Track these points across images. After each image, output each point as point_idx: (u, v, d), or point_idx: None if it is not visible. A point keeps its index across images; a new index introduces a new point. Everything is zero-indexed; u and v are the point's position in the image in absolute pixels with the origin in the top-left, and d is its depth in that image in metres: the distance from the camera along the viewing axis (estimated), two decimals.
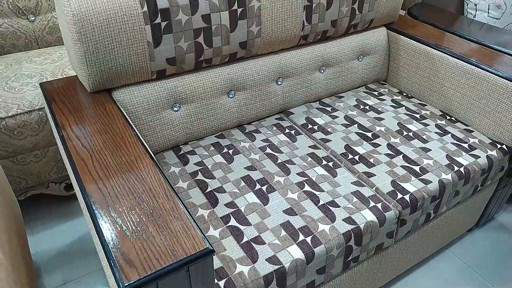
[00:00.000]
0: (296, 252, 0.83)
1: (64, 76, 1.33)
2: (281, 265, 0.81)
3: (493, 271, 1.32)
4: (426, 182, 1.03)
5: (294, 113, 1.30)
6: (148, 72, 1.01)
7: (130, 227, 0.64)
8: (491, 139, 1.21)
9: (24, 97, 1.23)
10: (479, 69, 1.22)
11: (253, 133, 1.19)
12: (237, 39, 1.09)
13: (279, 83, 1.26)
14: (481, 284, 1.28)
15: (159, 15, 0.95)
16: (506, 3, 1.57)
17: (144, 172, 0.75)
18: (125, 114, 0.92)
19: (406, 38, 1.41)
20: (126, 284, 0.56)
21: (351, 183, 1.02)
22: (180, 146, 1.14)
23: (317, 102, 1.37)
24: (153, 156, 0.80)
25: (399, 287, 1.26)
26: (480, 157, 1.13)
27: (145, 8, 0.93)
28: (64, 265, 1.27)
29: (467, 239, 1.42)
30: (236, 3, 1.04)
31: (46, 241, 1.34)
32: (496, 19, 1.60)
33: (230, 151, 1.12)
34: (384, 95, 1.42)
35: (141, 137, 0.85)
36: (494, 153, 1.15)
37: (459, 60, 1.26)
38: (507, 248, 1.40)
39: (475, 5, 1.61)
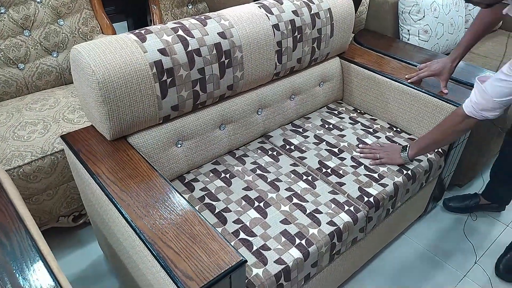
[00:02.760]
0: (295, 253, 1.08)
1: (66, 121, 1.49)
2: (286, 265, 1.06)
3: (441, 248, 1.65)
4: (384, 185, 1.33)
5: (273, 136, 1.55)
6: (157, 118, 1.22)
7: (181, 250, 0.85)
8: None
9: (35, 144, 1.38)
10: (413, 89, 1.54)
11: (243, 157, 1.43)
12: (225, 83, 1.32)
13: (259, 113, 1.50)
14: (432, 259, 1.61)
15: (165, 74, 1.16)
16: (431, 29, 1.93)
17: (176, 205, 0.96)
18: (145, 158, 1.12)
19: (356, 66, 1.71)
20: None
21: (328, 192, 1.29)
22: (184, 175, 1.35)
23: (290, 124, 1.63)
24: (179, 188, 1.01)
25: (371, 269, 1.55)
26: (422, 160, 1.44)
27: (154, 70, 1.13)
28: None
29: (418, 225, 1.76)
30: (223, 56, 1.27)
31: (64, 269, 1.48)
32: (425, 41, 1.95)
33: (227, 175, 1.34)
34: (342, 113, 1.71)
35: (161, 176, 1.05)
36: (433, 156, 1.47)
37: (399, 83, 1.58)
38: (449, 227, 1.75)
39: (408, 30, 1.95)
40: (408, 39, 1.97)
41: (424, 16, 1.91)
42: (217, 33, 1.26)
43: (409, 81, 1.56)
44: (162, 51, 1.15)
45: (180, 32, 1.20)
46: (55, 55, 1.73)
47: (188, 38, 1.20)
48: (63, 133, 1.42)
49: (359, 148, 1.47)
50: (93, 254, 1.55)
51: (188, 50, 1.19)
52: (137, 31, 1.17)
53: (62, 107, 1.56)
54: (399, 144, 1.51)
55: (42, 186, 1.39)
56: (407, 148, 1.40)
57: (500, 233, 1.74)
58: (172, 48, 1.16)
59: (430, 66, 1.54)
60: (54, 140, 1.40)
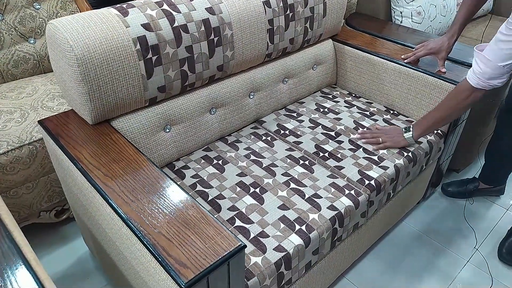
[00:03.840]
0: (296, 240, 1.01)
1: (45, 109, 1.39)
2: (287, 252, 0.99)
3: (440, 234, 1.60)
4: (385, 168, 1.27)
5: (266, 121, 1.48)
6: (142, 100, 1.13)
7: (173, 237, 0.77)
8: None
9: (11, 133, 1.27)
10: (410, 69, 1.48)
11: (235, 143, 1.35)
12: (215, 63, 1.24)
13: (251, 96, 1.43)
14: (432, 245, 1.56)
15: (150, 51, 1.07)
16: (424, 10, 1.88)
17: (167, 190, 0.88)
18: (134, 144, 1.03)
19: (349, 48, 1.65)
20: (185, 282, 0.69)
21: (327, 176, 1.22)
22: (174, 163, 1.26)
23: (283, 109, 1.56)
24: (169, 175, 0.93)
25: (371, 257, 1.49)
26: (422, 142, 1.39)
27: (138, 46, 1.05)
28: None
29: (418, 211, 1.71)
30: (212, 33, 1.19)
31: (47, 268, 1.39)
32: (418, 23, 1.90)
33: (220, 162, 1.26)
34: (337, 97, 1.65)
35: (149, 160, 0.97)
36: (433, 138, 1.42)
37: (395, 64, 1.52)
38: (449, 213, 1.70)
39: (401, 12, 1.90)
40: (401, 22, 1.92)
41: None
42: (205, 8, 1.18)
43: (406, 61, 1.50)
44: (146, 26, 1.06)
45: (165, 7, 1.11)
46: (32, 41, 1.62)
47: (174, 12, 1.12)
48: None
49: (358, 134, 1.40)
50: (78, 250, 1.45)
51: (174, 26, 1.11)
52: (118, 5, 1.08)
53: (41, 94, 1.46)
54: (397, 126, 1.45)
55: (20, 178, 1.29)
56: (411, 129, 1.34)
57: (500, 217, 1.70)
58: (157, 23, 1.08)
59: (427, 45, 1.49)
60: (32, 129, 1.30)
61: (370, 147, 1.35)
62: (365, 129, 1.43)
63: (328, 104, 1.59)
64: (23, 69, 1.62)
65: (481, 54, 1.13)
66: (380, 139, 1.35)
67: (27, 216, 1.39)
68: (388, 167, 1.27)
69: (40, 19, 1.62)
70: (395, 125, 1.47)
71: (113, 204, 0.84)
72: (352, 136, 1.40)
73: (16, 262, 0.72)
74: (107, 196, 0.86)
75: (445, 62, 1.47)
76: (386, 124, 1.47)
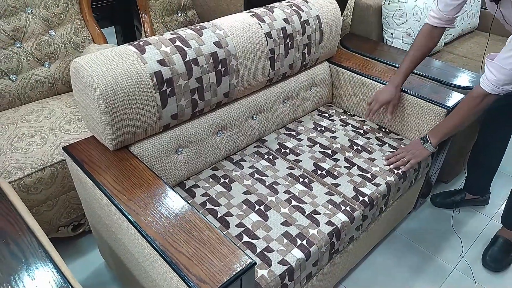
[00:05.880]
0: (298, 253, 1.13)
1: (63, 132, 1.50)
2: (290, 265, 1.10)
3: (429, 242, 1.73)
4: (377, 185, 1.39)
5: (267, 140, 1.60)
6: (157, 127, 1.25)
7: (192, 255, 0.89)
8: None
9: (34, 156, 1.38)
10: (399, 92, 1.61)
11: (240, 162, 1.47)
12: (222, 91, 1.36)
13: (254, 118, 1.55)
14: (421, 252, 1.69)
15: (165, 84, 1.19)
16: (414, 32, 2.01)
17: (184, 212, 0.99)
18: (149, 167, 1.14)
19: (344, 70, 1.77)
20: None
21: (325, 193, 1.34)
22: (184, 182, 1.38)
23: (283, 128, 1.68)
24: (181, 195, 1.04)
25: (365, 265, 1.62)
26: None
27: (154, 81, 1.16)
28: None
29: (408, 221, 1.83)
30: (220, 64, 1.31)
31: None
32: (409, 44, 2.03)
33: (227, 180, 1.38)
34: (333, 116, 1.77)
35: (167, 184, 1.09)
36: None
37: (384, 85, 1.65)
38: (437, 222, 1.83)
39: (392, 34, 2.03)
40: (392, 42, 2.05)
41: (406, 20, 1.99)
42: (213, 43, 1.29)
43: (368, 119, 1.66)
44: (161, 62, 1.18)
45: (178, 43, 1.23)
46: (47, 65, 1.73)
47: (185, 48, 1.23)
48: (61, 144, 1.43)
49: (384, 160, 1.49)
50: (95, 262, 1.56)
51: (186, 60, 1.22)
52: (135, 42, 1.20)
53: (58, 117, 1.57)
54: (389, 144, 1.58)
55: (43, 197, 1.40)
56: (428, 138, 1.45)
57: (485, 226, 1.83)
58: (171, 58, 1.20)
59: (377, 98, 1.59)
60: (52, 151, 1.41)
61: (364, 164, 1.47)
62: (388, 153, 1.52)
63: (325, 123, 1.71)
64: (38, 91, 1.73)
65: (493, 62, 1.24)
66: (405, 159, 1.46)
67: (47, 232, 1.49)
68: (380, 184, 1.39)
69: (55, 45, 1.73)
70: (387, 143, 1.60)
71: (138, 227, 0.95)
72: (347, 154, 1.52)
73: (57, 282, 0.83)
74: (132, 219, 0.97)
75: (431, 84, 1.60)
76: (379, 142, 1.60)
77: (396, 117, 1.66)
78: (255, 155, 1.51)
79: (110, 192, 1.05)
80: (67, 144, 1.26)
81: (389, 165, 1.46)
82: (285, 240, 1.16)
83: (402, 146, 1.57)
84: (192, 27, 1.33)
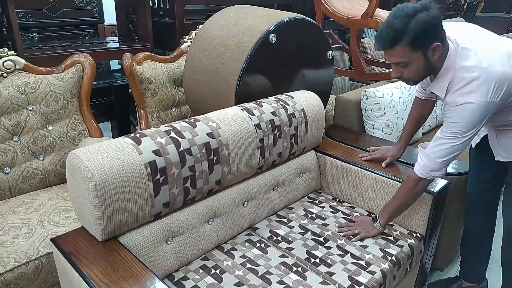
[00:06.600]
0: None
1: (51, 224, 1.47)
2: None
3: None
4: (372, 272, 1.36)
5: (259, 228, 1.59)
6: (148, 216, 1.24)
7: None
8: (408, 230, 1.61)
9: (19, 249, 1.34)
10: (386, 178, 1.66)
11: (231, 251, 1.44)
12: (214, 178, 1.39)
13: (245, 205, 1.56)
14: None
15: (158, 172, 1.22)
16: (392, 123, 2.15)
17: None
18: (138, 258, 1.12)
19: (330, 158, 1.85)
20: None
21: (319, 283, 1.30)
22: (173, 274, 1.33)
23: (275, 215, 1.68)
24: None
25: None
26: (403, 246, 1.50)
27: (149, 170, 1.20)
28: None
29: None
30: (212, 154, 1.36)
31: None
32: (388, 134, 2.16)
33: (217, 271, 1.34)
34: (323, 202, 1.79)
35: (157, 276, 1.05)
36: (412, 241, 1.54)
37: (371, 172, 1.70)
38: None
39: (372, 125, 2.17)
40: (373, 133, 2.17)
41: (385, 113, 2.14)
42: (206, 134, 1.37)
43: (363, 159, 1.77)
44: (156, 152, 1.22)
45: (173, 134, 1.30)
46: (41, 158, 1.77)
47: (180, 139, 1.30)
48: (49, 236, 1.40)
49: (337, 227, 1.59)
50: None
51: (180, 150, 1.28)
52: (132, 135, 1.26)
53: (48, 209, 1.56)
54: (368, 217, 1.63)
55: None
56: (377, 218, 1.54)
57: None
58: (166, 149, 1.25)
59: (382, 151, 1.76)
60: (39, 244, 1.37)
61: (357, 252, 1.45)
62: (343, 223, 1.62)
63: (315, 209, 1.73)
64: (30, 183, 1.73)
65: (424, 151, 1.39)
66: (356, 231, 1.53)
67: None
68: (375, 272, 1.36)
69: (52, 139, 1.79)
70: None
71: None
72: (339, 241, 1.51)
73: None
74: None
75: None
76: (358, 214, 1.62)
77: (385, 202, 1.69)
78: (247, 244, 1.48)
79: (96, 285, 1.01)
80: (55, 236, 1.24)
81: (340, 233, 1.56)
82: None
83: (393, 232, 1.57)
84: (187, 119, 1.41)
